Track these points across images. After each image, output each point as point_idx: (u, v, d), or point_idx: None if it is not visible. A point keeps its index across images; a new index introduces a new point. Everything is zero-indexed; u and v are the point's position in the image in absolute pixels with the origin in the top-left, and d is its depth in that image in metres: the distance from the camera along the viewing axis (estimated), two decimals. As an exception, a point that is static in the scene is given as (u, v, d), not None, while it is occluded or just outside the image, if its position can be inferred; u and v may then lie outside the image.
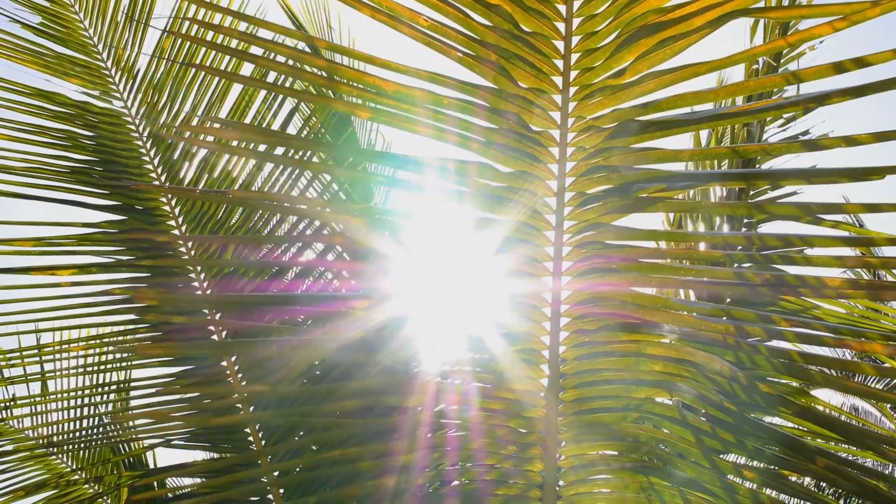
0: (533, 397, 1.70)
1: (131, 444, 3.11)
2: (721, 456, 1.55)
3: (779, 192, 2.78)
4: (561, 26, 1.54)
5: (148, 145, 2.89)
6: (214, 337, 2.61)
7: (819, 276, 1.41)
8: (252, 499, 2.59)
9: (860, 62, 1.32)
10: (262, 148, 2.78)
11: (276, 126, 2.76)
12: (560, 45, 1.56)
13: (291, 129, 2.89)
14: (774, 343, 1.45)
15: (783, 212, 1.50)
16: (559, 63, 1.57)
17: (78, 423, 3.05)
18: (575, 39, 1.55)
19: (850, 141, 1.37)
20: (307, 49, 3.06)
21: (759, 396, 1.38)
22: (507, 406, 1.70)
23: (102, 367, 2.94)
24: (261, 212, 2.66)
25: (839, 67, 1.35)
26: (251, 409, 2.50)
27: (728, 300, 2.54)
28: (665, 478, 1.54)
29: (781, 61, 2.77)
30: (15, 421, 3.21)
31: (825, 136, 1.44)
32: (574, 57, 1.56)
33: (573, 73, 1.57)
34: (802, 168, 1.50)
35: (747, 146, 1.87)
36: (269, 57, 1.49)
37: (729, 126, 2.77)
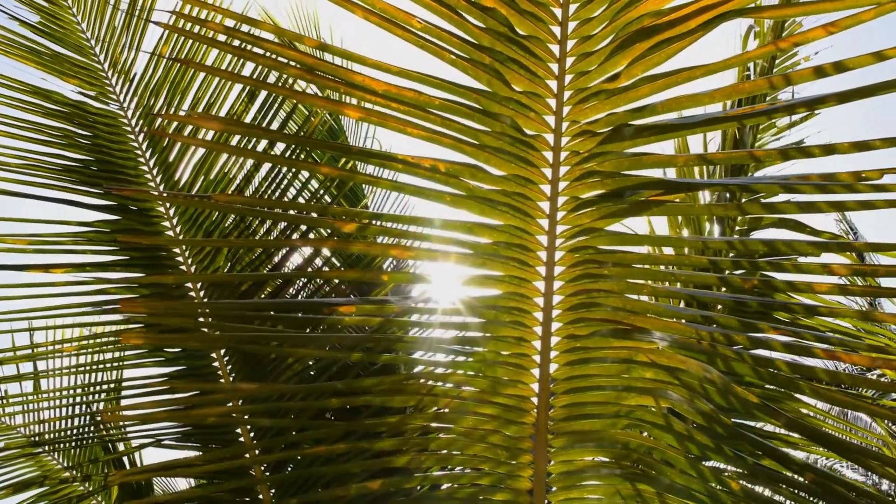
0: (524, 402, 1.65)
1: (122, 443, 3.05)
2: (710, 464, 1.50)
3: (773, 199, 2.72)
4: (556, 30, 1.50)
5: (144, 147, 2.83)
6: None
7: (810, 282, 1.37)
8: (245, 499, 2.54)
9: (839, 66, 1.29)
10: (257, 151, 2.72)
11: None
12: (555, 48, 1.51)
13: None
14: (766, 353, 1.40)
15: (758, 212, 1.47)
16: (554, 67, 1.52)
17: (69, 421, 3.00)
18: (570, 43, 1.51)
19: (829, 150, 1.35)
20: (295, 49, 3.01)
21: (747, 406, 1.33)
22: (497, 411, 1.65)
23: (95, 366, 2.88)
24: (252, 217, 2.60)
25: (820, 71, 1.31)
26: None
27: (719, 307, 2.50)
28: (655, 486, 1.49)
29: (776, 69, 2.73)
30: (7, 418, 3.15)
31: (795, 145, 1.42)
32: (569, 61, 1.52)
33: (568, 77, 1.53)
34: (781, 176, 1.48)
35: (731, 152, 1.82)
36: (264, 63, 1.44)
37: (721, 131, 2.73)
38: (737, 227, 2.62)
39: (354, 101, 1.42)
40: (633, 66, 1.47)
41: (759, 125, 2.83)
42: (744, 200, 2.78)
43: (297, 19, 4.76)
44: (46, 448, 3.08)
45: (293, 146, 2.55)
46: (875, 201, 1.35)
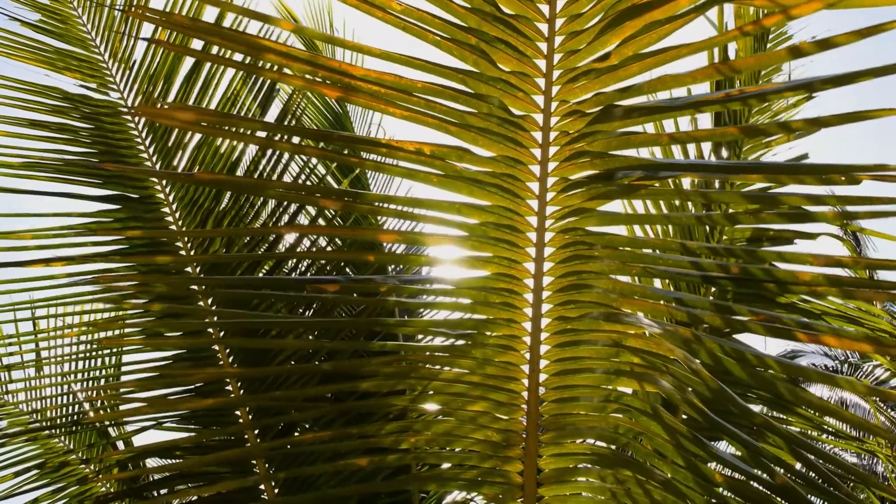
0: (513, 383, 1.59)
1: (123, 426, 3.00)
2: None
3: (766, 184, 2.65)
4: (545, 8, 1.42)
5: (143, 134, 2.77)
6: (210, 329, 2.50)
7: (793, 271, 1.29)
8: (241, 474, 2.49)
9: (823, 44, 1.20)
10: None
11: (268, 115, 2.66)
12: (544, 27, 1.44)
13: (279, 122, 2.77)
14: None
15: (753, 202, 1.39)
16: (543, 46, 1.45)
17: (70, 407, 2.96)
18: (559, 22, 1.44)
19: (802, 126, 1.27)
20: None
21: (730, 403, 1.26)
22: (487, 392, 1.58)
23: (96, 353, 2.82)
24: (245, 196, 2.55)
25: (797, 51, 1.23)
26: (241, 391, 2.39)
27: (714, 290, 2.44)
28: (643, 473, 1.43)
29: (769, 46, 2.65)
30: (11, 400, 3.11)
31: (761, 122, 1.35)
32: (558, 40, 1.44)
33: (557, 56, 1.45)
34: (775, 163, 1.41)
35: (714, 129, 1.74)
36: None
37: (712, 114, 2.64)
38: (730, 210, 2.54)
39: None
40: (624, 45, 1.39)
41: (751, 108, 2.74)
42: (738, 184, 2.71)
43: (312, 13, 4.71)
44: (54, 431, 3.03)
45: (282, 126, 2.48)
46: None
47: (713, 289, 2.64)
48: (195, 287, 2.37)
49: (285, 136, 1.22)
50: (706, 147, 2.74)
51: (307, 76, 1.26)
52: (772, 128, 1.33)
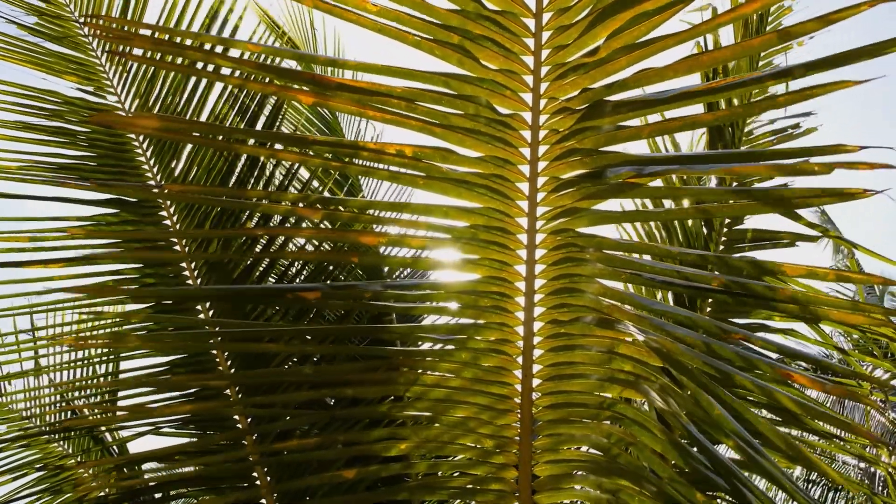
0: (507, 388, 1.53)
1: (119, 432, 2.97)
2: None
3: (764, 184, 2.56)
4: (531, 3, 1.36)
5: (140, 138, 2.72)
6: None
7: (771, 287, 1.24)
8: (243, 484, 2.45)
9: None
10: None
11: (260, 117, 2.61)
12: (531, 22, 1.38)
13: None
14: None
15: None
16: (530, 42, 1.39)
17: (68, 412, 2.93)
18: (546, 17, 1.37)
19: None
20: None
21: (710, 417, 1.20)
22: (479, 398, 1.53)
23: (95, 359, 2.79)
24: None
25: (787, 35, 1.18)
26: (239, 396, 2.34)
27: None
28: (638, 481, 1.37)
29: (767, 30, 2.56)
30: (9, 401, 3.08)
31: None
32: (545, 35, 1.38)
33: (545, 53, 1.39)
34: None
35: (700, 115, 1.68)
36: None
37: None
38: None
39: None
40: (612, 39, 1.33)
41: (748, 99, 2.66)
42: (734, 184, 2.63)
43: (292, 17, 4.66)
44: (54, 435, 3.01)
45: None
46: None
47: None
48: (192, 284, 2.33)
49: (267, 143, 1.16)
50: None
51: (288, 83, 1.21)
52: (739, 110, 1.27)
